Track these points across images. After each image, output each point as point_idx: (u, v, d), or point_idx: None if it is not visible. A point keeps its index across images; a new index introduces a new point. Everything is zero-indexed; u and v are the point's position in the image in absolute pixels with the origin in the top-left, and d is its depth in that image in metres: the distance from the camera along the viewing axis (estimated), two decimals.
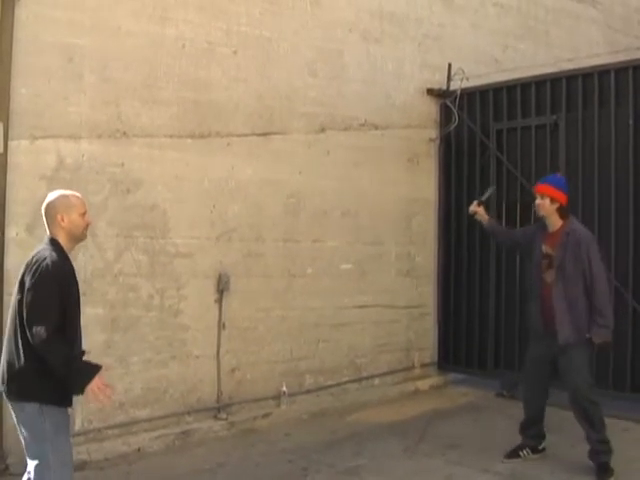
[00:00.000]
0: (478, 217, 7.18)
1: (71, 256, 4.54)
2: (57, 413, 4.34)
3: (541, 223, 6.61)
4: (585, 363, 6.29)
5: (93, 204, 6.50)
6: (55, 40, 6.40)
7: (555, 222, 6.42)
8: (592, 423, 6.25)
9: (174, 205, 7.16)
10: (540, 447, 6.71)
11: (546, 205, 6.38)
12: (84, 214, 4.57)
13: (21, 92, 6.22)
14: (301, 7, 8.21)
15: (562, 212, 6.40)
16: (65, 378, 4.27)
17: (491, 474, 6.26)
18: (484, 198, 7.33)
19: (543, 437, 6.75)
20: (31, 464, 4.38)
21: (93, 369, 4.32)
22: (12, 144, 6.17)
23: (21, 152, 6.23)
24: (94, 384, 4.27)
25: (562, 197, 6.40)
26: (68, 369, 4.24)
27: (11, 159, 6.17)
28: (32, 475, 4.33)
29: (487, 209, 7.51)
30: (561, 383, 6.37)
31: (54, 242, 4.46)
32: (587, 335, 6.17)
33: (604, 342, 6.26)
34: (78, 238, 4.61)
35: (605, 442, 6.26)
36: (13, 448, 6.05)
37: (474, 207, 7.15)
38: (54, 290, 4.26)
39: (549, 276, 6.37)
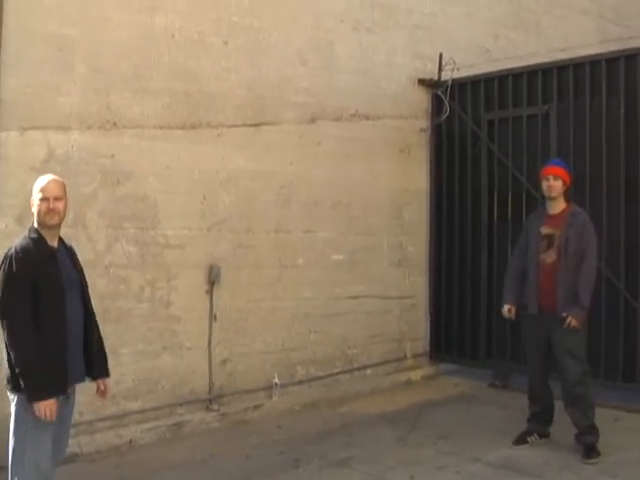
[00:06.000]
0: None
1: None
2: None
3: (538, 210, 6.71)
4: (581, 346, 6.36)
5: (83, 195, 6.53)
6: (45, 30, 6.36)
7: (560, 204, 6.52)
8: (584, 408, 6.31)
9: (164, 196, 7.13)
10: (547, 432, 6.75)
11: (559, 187, 6.48)
12: (45, 199, 4.37)
13: (10, 82, 6.18)
14: None
15: (567, 195, 6.55)
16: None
17: (482, 464, 6.27)
18: None
19: (550, 422, 6.76)
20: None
21: (45, 393, 4.18)
22: (1, 135, 6.14)
23: (10, 143, 6.20)
24: (45, 406, 4.16)
25: (570, 180, 6.58)
26: (23, 377, 4.17)
27: (0, 150, 6.13)
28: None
29: (479, 200, 7.52)
30: (554, 368, 6.47)
31: (30, 228, 4.44)
32: (563, 314, 6.20)
33: (578, 323, 6.21)
34: (42, 223, 4.41)
35: (594, 427, 6.33)
36: None
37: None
38: (17, 282, 4.19)
39: (549, 256, 6.43)
